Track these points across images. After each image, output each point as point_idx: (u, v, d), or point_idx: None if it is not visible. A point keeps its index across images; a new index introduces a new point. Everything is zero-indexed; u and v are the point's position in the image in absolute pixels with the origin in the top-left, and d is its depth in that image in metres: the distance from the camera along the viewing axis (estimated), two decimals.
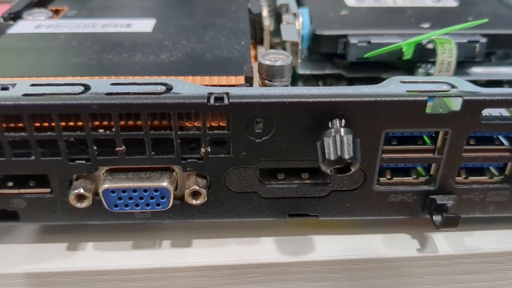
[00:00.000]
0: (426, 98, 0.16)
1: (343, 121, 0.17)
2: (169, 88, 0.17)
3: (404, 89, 0.17)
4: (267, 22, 0.25)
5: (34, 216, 0.18)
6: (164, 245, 0.19)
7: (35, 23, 0.23)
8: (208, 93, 0.16)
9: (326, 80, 0.25)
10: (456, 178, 0.19)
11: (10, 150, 0.17)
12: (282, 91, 0.17)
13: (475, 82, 0.24)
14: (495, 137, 0.18)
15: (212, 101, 0.16)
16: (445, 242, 0.19)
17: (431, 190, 0.19)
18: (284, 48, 0.26)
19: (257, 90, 0.17)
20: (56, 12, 0.25)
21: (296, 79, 0.25)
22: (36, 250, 0.19)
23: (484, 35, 0.23)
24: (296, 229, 0.20)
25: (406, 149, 0.18)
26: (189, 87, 0.17)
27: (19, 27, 0.23)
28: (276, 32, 0.28)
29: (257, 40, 0.25)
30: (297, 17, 0.24)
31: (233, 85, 0.18)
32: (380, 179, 0.19)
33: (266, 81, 0.20)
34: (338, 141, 0.16)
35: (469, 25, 0.21)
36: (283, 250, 0.19)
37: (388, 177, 0.19)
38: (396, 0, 0.27)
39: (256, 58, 0.25)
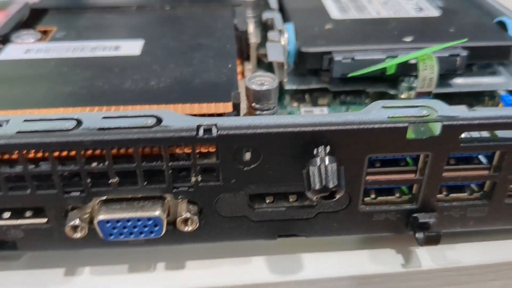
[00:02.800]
0: (406, 124, 0.17)
1: (328, 148, 0.17)
2: (159, 120, 0.17)
3: (385, 115, 0.17)
4: (253, 39, 0.25)
5: (31, 245, 0.19)
6: (159, 267, 0.20)
7: (24, 46, 0.24)
8: (197, 125, 0.17)
9: (312, 93, 0.26)
10: (438, 195, 0.19)
11: (6, 184, 0.17)
12: (268, 120, 0.17)
13: (457, 95, 0.25)
14: (474, 156, 0.19)
15: (201, 133, 0.17)
16: (428, 256, 0.20)
17: (413, 209, 0.19)
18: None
19: (244, 120, 0.17)
20: (45, 33, 0.26)
21: (282, 93, 0.26)
22: (32, 276, 0.20)
23: (465, 48, 0.24)
24: (286, 248, 0.21)
25: (389, 171, 0.19)
26: (178, 118, 0.17)
27: (9, 52, 0.23)
28: (263, 42, 0.29)
29: (244, 56, 0.26)
30: (283, 33, 0.25)
31: (221, 114, 0.19)
32: (365, 199, 0.19)
33: (253, 104, 0.20)
34: (323, 170, 0.16)
35: (448, 45, 0.22)
36: (274, 269, 0.20)
37: (373, 196, 0.20)
38: (379, 11, 0.28)
39: (243, 74, 0.26)
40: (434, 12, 0.28)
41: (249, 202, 0.19)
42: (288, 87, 0.25)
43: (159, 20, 0.27)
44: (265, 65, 0.28)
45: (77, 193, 0.18)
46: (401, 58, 0.22)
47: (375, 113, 0.18)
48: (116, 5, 0.28)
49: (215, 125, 0.17)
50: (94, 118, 0.17)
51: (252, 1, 0.30)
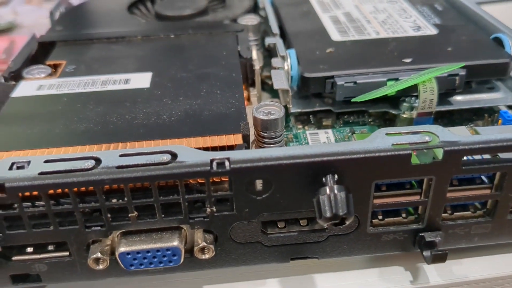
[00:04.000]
0: (410, 151, 0.18)
1: (336, 176, 0.18)
2: (174, 155, 0.18)
3: (389, 143, 0.18)
4: (257, 66, 0.26)
5: (55, 278, 0.20)
6: None
7: (36, 83, 0.24)
8: (211, 159, 0.18)
9: (316, 114, 0.27)
10: (443, 215, 0.20)
11: (30, 223, 0.18)
12: (278, 152, 0.18)
13: (457, 111, 0.26)
14: (476, 176, 0.20)
15: (214, 167, 0.18)
16: (435, 272, 0.21)
17: (420, 228, 0.20)
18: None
19: (255, 153, 0.18)
20: (54, 67, 0.26)
21: (288, 115, 0.27)
22: None
23: (463, 67, 0.25)
24: (298, 269, 0.21)
25: (395, 194, 0.20)
26: (192, 153, 0.18)
27: (22, 90, 0.24)
28: (266, 64, 0.30)
29: (249, 82, 0.27)
30: (286, 59, 0.26)
31: (232, 145, 0.20)
32: (373, 220, 0.20)
33: (261, 132, 0.21)
34: (333, 199, 0.17)
35: (446, 69, 0.23)
36: None
37: (380, 217, 0.20)
38: (378, 31, 0.29)
39: (249, 99, 0.27)
40: (432, 30, 0.29)
41: (262, 229, 0.20)
42: (293, 110, 0.25)
43: (164, 50, 0.28)
44: (269, 86, 0.29)
45: (98, 228, 0.19)
46: (402, 84, 0.22)
47: (380, 141, 0.18)
48: (122, 35, 0.29)
49: (228, 159, 0.18)
50: (112, 156, 0.18)
51: (253, 25, 0.31)
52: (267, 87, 0.30)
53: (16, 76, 0.26)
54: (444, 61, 0.25)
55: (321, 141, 0.25)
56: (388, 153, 0.18)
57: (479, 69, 0.25)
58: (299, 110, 0.26)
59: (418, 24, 0.29)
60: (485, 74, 0.26)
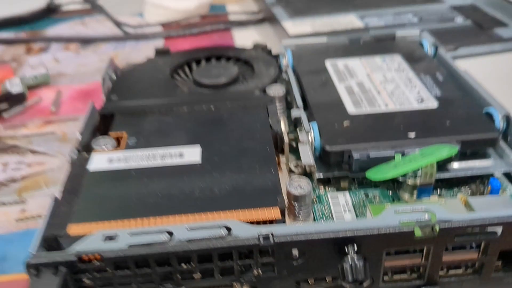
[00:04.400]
0: (413, 228, 0.23)
1: (355, 246, 0.23)
2: (229, 229, 0.23)
3: (397, 221, 0.23)
4: (287, 139, 0.31)
5: None
6: None
7: (106, 156, 0.30)
8: (258, 234, 0.23)
9: (336, 179, 0.32)
10: (439, 272, 0.25)
11: (118, 282, 0.23)
12: (311, 228, 0.23)
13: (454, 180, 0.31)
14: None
15: (261, 241, 0.23)
16: None
17: (421, 284, 0.25)
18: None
19: (292, 229, 0.23)
20: (117, 139, 0.32)
21: (312, 178, 0.32)
22: None
23: (458, 141, 0.30)
24: None
25: (401, 257, 0.25)
26: (243, 228, 0.23)
27: (95, 162, 0.29)
28: (291, 129, 0.35)
29: (279, 150, 0.32)
30: (309, 132, 0.31)
31: (272, 219, 0.25)
32: (384, 277, 0.25)
33: (293, 202, 0.26)
34: (354, 267, 0.22)
35: (445, 155, 0.27)
36: None
37: (390, 275, 0.25)
38: (387, 103, 0.34)
39: (279, 163, 0.32)
40: (433, 103, 0.34)
41: (296, 285, 0.25)
42: (316, 176, 0.31)
43: (207, 121, 0.33)
44: (293, 148, 0.34)
45: (170, 286, 0.24)
46: (408, 168, 0.27)
47: (390, 218, 0.24)
48: (170, 106, 0.35)
49: (272, 234, 0.23)
50: (181, 230, 0.23)
51: (280, 96, 0.36)
52: (292, 149, 0.35)
53: (86, 147, 0.31)
54: (442, 134, 0.30)
55: (341, 204, 0.30)
56: (397, 230, 0.23)
57: (472, 142, 0.30)
58: (321, 176, 0.31)
59: (421, 96, 0.35)
60: (477, 145, 0.31)
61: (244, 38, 0.62)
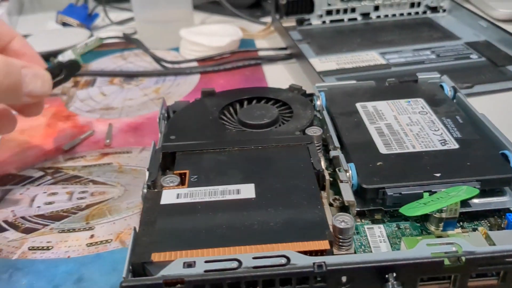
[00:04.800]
0: (443, 259, 0.28)
1: (394, 274, 0.28)
2: (288, 259, 0.28)
3: (429, 252, 0.28)
4: (327, 177, 0.36)
5: None
6: None
7: (174, 191, 0.35)
8: (313, 263, 0.28)
9: (370, 211, 0.36)
10: None
11: None
12: (357, 258, 0.28)
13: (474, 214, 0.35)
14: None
15: (316, 269, 0.27)
16: None
17: None
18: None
19: (342, 259, 0.28)
20: (180, 175, 0.37)
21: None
22: None
23: (478, 180, 0.35)
24: None
25: (432, 283, 0.29)
26: (300, 258, 0.28)
27: (166, 198, 0.34)
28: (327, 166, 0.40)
29: (320, 187, 0.37)
30: (348, 171, 0.36)
31: (323, 249, 0.29)
32: None
33: (337, 235, 0.31)
34: None
35: (468, 196, 0.32)
36: None
37: None
38: (414, 145, 0.39)
39: (321, 197, 0.36)
40: (455, 144, 0.38)
41: None
42: (356, 210, 0.35)
43: (257, 160, 0.38)
44: (330, 183, 0.39)
45: None
46: (437, 206, 0.32)
47: (423, 250, 0.28)
48: (223, 145, 0.40)
49: (324, 262, 0.28)
50: (248, 258, 0.28)
51: (317, 136, 0.41)
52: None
53: (155, 184, 0.36)
54: (465, 175, 0.35)
55: (376, 234, 0.34)
56: (429, 260, 0.28)
57: (490, 181, 0.35)
58: (359, 209, 0.35)
59: (444, 138, 0.39)
60: (495, 184, 0.35)
61: (274, 73, 0.67)
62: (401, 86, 0.48)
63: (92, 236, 0.40)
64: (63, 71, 0.46)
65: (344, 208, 0.36)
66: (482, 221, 0.35)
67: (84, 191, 0.45)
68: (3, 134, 0.53)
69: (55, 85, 0.45)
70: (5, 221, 0.42)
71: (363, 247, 0.33)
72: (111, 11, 0.89)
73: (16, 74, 0.38)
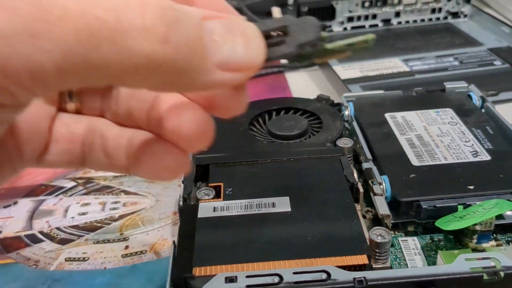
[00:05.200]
0: (481, 274, 0.28)
1: None
2: (328, 274, 0.28)
3: (468, 267, 0.28)
4: (361, 190, 0.36)
5: None
6: None
7: (210, 204, 0.35)
8: (353, 278, 0.28)
9: (403, 223, 0.37)
10: None
11: None
12: (397, 274, 0.28)
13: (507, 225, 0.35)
14: None
15: (356, 284, 0.28)
16: None
17: None
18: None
19: (382, 274, 0.28)
20: (215, 188, 0.37)
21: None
22: None
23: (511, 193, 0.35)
24: None
25: None
26: (340, 273, 0.28)
27: (203, 211, 0.35)
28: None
29: (354, 199, 0.37)
30: (381, 184, 0.36)
31: (362, 264, 0.30)
32: None
33: (374, 249, 0.31)
34: None
35: (501, 212, 0.32)
36: None
37: None
38: (446, 157, 0.39)
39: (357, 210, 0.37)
40: (486, 156, 0.39)
41: None
42: (391, 223, 0.36)
43: (290, 173, 0.38)
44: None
45: None
46: (474, 220, 0.32)
47: (462, 265, 0.28)
48: (255, 158, 0.40)
49: (364, 277, 0.28)
50: (289, 273, 0.28)
51: (348, 148, 0.41)
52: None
53: (189, 196, 0.37)
54: (498, 188, 0.35)
55: (411, 248, 0.34)
56: (468, 275, 0.28)
57: None
58: (393, 221, 0.36)
59: (475, 149, 0.39)
60: None
61: (297, 81, 0.67)
62: (429, 95, 0.49)
63: (127, 247, 0.41)
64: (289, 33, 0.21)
65: (377, 220, 0.37)
66: None
67: (117, 201, 0.46)
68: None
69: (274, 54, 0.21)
70: (41, 232, 0.43)
71: (398, 259, 0.34)
72: None
73: (191, 29, 0.18)
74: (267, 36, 0.20)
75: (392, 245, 0.35)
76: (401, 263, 0.33)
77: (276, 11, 0.56)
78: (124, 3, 0.16)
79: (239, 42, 0.19)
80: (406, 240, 0.35)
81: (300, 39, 0.21)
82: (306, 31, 0.21)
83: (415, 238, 0.36)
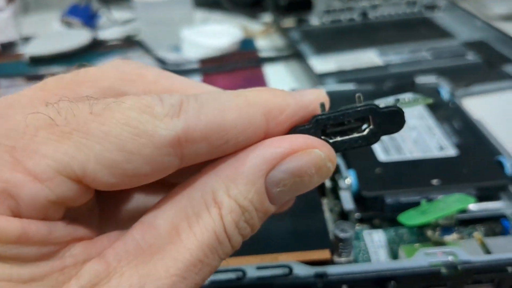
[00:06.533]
0: (440, 268, 0.29)
1: (393, 282, 0.29)
2: (290, 268, 0.29)
3: (427, 262, 0.29)
4: (328, 183, 0.37)
5: None
6: None
7: None
8: (315, 272, 0.29)
9: (369, 218, 0.37)
10: None
11: None
12: (357, 268, 0.29)
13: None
14: None
15: (317, 279, 0.28)
16: None
17: None
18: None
19: (342, 268, 0.29)
20: None
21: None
22: None
23: (474, 187, 0.36)
24: None
25: None
26: (302, 268, 0.29)
27: None
28: None
29: (320, 194, 0.37)
30: (348, 179, 0.37)
31: (325, 259, 0.30)
32: None
33: (338, 243, 0.32)
34: None
35: (465, 204, 0.33)
36: None
37: None
38: (412, 151, 0.40)
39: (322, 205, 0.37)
40: (451, 151, 0.39)
41: None
42: (355, 217, 0.36)
43: None
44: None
45: None
46: (434, 216, 0.33)
47: (421, 260, 0.29)
48: None
49: (325, 272, 0.29)
50: (252, 269, 0.29)
51: None
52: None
53: None
54: (461, 181, 0.36)
55: (375, 241, 0.35)
56: (427, 269, 0.29)
57: (485, 188, 0.36)
58: (359, 217, 0.36)
59: (441, 144, 0.40)
60: (490, 190, 0.36)
61: (274, 74, 0.67)
62: (399, 90, 0.49)
63: None
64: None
65: (343, 214, 0.37)
66: (477, 226, 0.36)
67: None
68: None
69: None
70: None
71: (361, 252, 0.34)
72: (115, 11, 0.89)
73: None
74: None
75: (358, 238, 0.36)
76: (365, 256, 0.34)
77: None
78: None
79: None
80: (371, 233, 0.36)
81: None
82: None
83: (380, 231, 0.36)
